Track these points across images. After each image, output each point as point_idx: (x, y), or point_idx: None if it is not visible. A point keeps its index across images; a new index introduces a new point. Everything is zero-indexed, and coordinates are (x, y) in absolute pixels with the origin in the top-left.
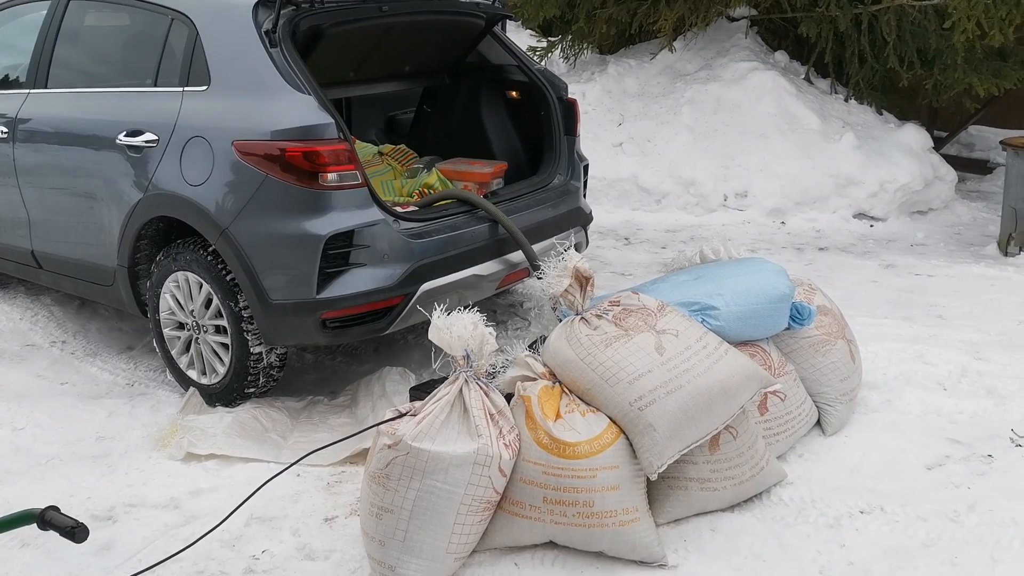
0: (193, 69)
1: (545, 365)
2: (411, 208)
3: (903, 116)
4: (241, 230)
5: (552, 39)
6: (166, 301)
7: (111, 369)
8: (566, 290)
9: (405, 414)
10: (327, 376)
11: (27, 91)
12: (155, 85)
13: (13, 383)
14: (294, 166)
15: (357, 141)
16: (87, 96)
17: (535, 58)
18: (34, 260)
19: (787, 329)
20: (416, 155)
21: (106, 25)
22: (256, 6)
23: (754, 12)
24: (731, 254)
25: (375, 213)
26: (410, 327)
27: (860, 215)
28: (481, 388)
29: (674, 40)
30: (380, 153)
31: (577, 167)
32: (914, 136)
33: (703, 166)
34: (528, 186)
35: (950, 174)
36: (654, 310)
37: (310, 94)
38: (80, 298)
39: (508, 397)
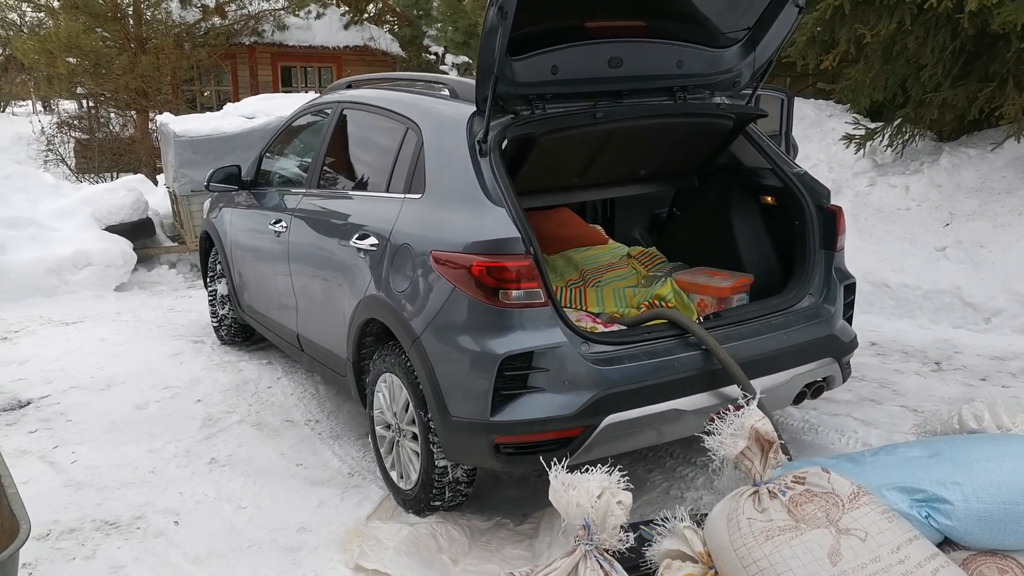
0: (415, 177)
1: (706, 544)
2: (613, 328)
3: None
4: (430, 341)
5: (872, 126)
6: (378, 399)
7: (342, 456)
8: (742, 453)
9: None
10: (527, 495)
11: (304, 190)
12: (386, 191)
13: (259, 458)
14: (479, 281)
15: (610, 240)
16: (341, 199)
17: (851, 146)
18: (298, 342)
19: None
20: (664, 259)
21: (364, 132)
22: (473, 115)
23: None
24: (1001, 424)
25: (558, 335)
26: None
27: None
28: (602, 567)
29: None
30: (628, 255)
31: (835, 287)
32: None
33: None
34: (765, 308)
35: None
36: (844, 498)
37: (503, 206)
38: None
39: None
